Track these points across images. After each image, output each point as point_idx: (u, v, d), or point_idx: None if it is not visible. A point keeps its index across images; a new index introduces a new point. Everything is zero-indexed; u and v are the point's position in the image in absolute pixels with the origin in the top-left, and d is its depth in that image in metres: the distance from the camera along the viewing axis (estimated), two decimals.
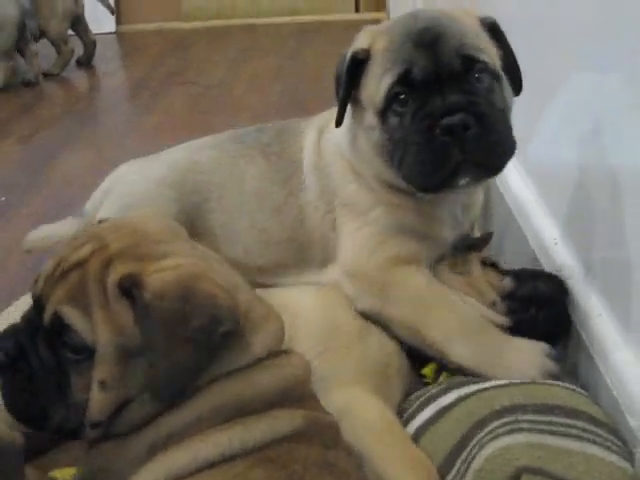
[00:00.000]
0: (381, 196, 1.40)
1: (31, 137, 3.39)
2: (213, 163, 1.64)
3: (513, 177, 1.80)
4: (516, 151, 1.80)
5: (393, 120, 1.29)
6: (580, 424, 1.00)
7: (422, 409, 1.18)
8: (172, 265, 0.99)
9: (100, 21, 5.41)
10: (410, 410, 1.21)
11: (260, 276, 1.54)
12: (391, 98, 1.28)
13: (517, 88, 1.37)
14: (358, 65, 1.33)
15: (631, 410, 1.09)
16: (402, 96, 1.27)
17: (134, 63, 4.95)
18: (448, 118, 1.21)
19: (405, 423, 1.19)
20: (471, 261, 1.45)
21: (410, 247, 1.39)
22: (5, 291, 1.98)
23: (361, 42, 1.35)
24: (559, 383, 1.18)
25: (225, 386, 0.99)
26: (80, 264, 1.01)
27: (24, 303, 1.43)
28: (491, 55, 1.30)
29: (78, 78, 4.62)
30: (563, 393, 1.13)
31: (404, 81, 1.26)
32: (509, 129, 1.29)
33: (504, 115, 1.30)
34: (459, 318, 1.31)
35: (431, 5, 3.77)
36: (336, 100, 1.40)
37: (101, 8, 4.90)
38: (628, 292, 1.17)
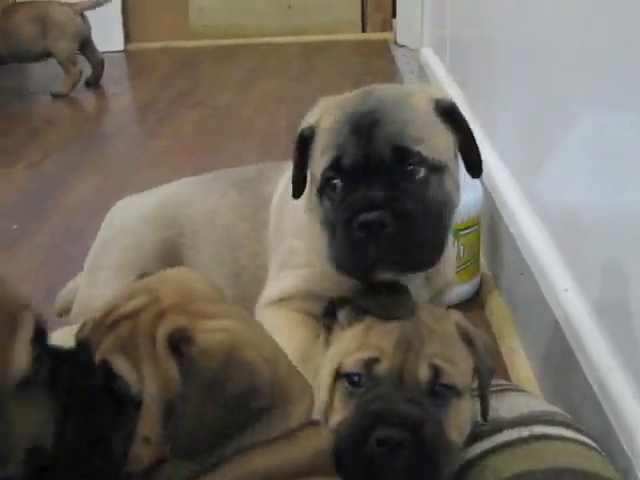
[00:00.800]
0: (319, 266, 1.36)
1: (40, 163, 3.39)
2: (189, 197, 1.65)
3: (524, 221, 1.79)
4: (528, 195, 1.80)
5: (326, 203, 1.26)
6: None
7: None
8: (222, 327, 1.00)
9: (108, 39, 5.46)
10: None
11: None
12: (325, 181, 1.25)
13: (476, 171, 1.34)
14: (306, 141, 1.31)
15: None
16: (334, 181, 1.24)
17: (142, 83, 4.97)
18: (364, 215, 1.17)
19: None
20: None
21: (311, 307, 1.37)
22: None
23: (310, 118, 1.32)
24: (567, 435, 1.15)
25: (256, 454, 0.98)
26: (131, 315, 1.01)
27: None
28: (434, 146, 1.24)
29: (86, 99, 4.64)
30: (570, 450, 1.11)
31: (336, 167, 1.23)
32: (439, 226, 1.23)
33: (438, 209, 1.23)
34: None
35: (437, 29, 3.79)
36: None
37: (109, 26, 4.92)
38: None
